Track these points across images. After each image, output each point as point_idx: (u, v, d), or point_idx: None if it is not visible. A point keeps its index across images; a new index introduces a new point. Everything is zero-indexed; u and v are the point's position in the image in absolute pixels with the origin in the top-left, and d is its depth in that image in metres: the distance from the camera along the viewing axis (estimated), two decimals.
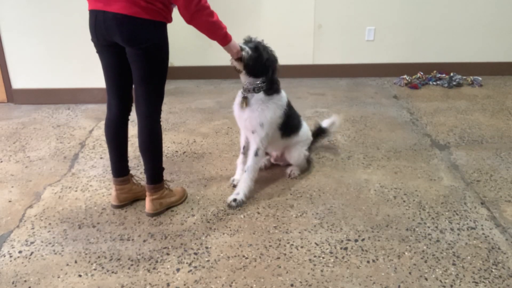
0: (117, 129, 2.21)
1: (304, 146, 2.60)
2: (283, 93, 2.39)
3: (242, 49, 2.20)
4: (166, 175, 2.61)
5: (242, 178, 2.37)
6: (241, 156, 2.53)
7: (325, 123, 2.87)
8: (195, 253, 1.95)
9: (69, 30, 3.64)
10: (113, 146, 2.23)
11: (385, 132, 3.18)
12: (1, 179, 2.62)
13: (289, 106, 2.43)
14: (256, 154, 2.35)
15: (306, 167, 2.65)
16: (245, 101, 2.31)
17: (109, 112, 2.19)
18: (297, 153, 2.54)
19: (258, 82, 2.28)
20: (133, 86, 2.08)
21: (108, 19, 1.89)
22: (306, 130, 2.64)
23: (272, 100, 2.31)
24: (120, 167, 2.28)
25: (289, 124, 2.43)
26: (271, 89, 2.31)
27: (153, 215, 2.22)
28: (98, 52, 2.09)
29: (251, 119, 2.31)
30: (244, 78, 2.30)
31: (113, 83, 2.12)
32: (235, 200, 2.30)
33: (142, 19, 1.88)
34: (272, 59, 2.30)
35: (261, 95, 2.29)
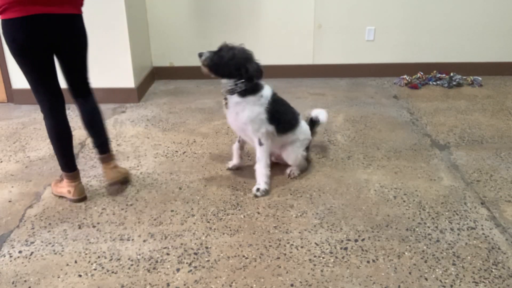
0: (67, 124, 2.31)
1: (301, 147, 2.58)
2: (264, 91, 2.38)
3: (201, 55, 2.34)
4: (166, 175, 2.62)
5: (256, 169, 2.45)
6: (236, 144, 2.63)
7: (314, 114, 2.82)
8: (195, 253, 1.95)
9: None
10: (69, 142, 2.32)
11: (385, 132, 3.18)
12: (1, 179, 2.62)
13: (277, 102, 2.43)
14: (260, 143, 2.41)
15: (306, 167, 2.65)
16: (226, 102, 2.39)
17: (57, 112, 2.26)
18: (294, 155, 2.54)
19: (231, 83, 2.33)
20: (74, 74, 2.33)
21: (64, 20, 2.12)
22: (304, 129, 2.63)
23: (246, 101, 2.34)
24: (74, 161, 2.37)
25: (280, 120, 2.43)
26: (246, 90, 2.33)
27: (117, 182, 2.43)
28: (33, 56, 2.11)
29: (233, 123, 2.44)
30: (222, 81, 2.38)
31: (52, 81, 2.24)
32: (258, 189, 2.41)
33: (81, 15, 2.23)
34: (238, 59, 2.30)
35: (235, 97, 2.34)
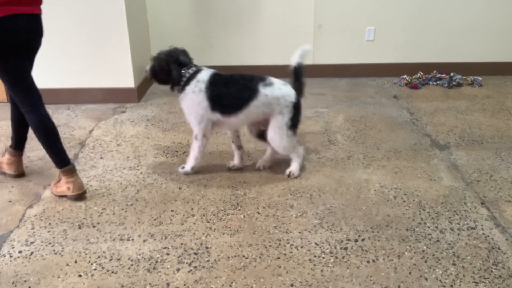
0: (50, 118, 2.35)
1: (283, 127, 2.40)
2: (200, 75, 2.44)
3: (146, 71, 2.53)
4: (166, 175, 2.62)
5: (189, 153, 2.60)
6: (232, 144, 2.67)
7: (295, 59, 2.48)
8: (195, 253, 1.95)
9: (69, 30, 3.64)
10: (56, 135, 2.37)
11: (385, 132, 3.18)
12: (1, 179, 2.62)
13: (217, 84, 2.42)
14: (195, 137, 2.52)
15: (301, 153, 2.56)
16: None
17: (39, 107, 2.31)
18: (278, 139, 2.42)
19: (170, 87, 2.51)
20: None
21: (35, 20, 2.22)
22: (275, 95, 2.38)
23: (185, 93, 2.45)
24: (66, 155, 2.40)
25: (224, 102, 2.42)
26: (183, 85, 2.45)
27: (19, 175, 2.64)
28: (14, 55, 2.18)
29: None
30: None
31: (30, 78, 2.31)
32: (183, 167, 2.61)
33: (41, 15, 2.29)
34: (163, 65, 2.44)
35: (180, 96, 2.48)
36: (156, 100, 3.91)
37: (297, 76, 2.50)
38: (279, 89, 2.41)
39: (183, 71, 2.44)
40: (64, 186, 2.36)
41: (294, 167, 2.57)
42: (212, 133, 2.54)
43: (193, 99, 2.42)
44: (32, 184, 2.56)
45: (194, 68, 2.46)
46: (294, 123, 2.45)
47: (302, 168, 2.62)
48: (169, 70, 2.43)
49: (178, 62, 2.44)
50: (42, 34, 2.31)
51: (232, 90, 2.40)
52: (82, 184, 2.39)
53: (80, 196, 2.36)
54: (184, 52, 2.51)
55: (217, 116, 2.43)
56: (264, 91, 2.38)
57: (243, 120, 2.47)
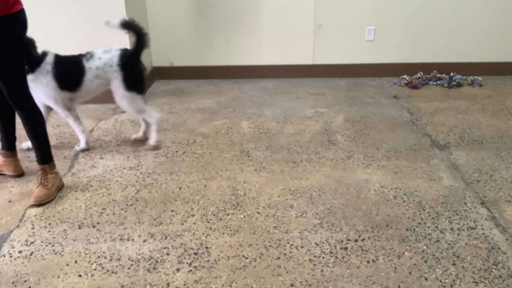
0: None
1: (119, 90, 2.61)
2: (48, 58, 2.58)
3: None
4: (166, 175, 2.62)
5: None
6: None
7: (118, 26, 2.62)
8: (195, 253, 1.96)
9: (68, 31, 3.64)
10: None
11: (385, 132, 3.18)
12: (1, 179, 2.62)
13: (60, 63, 2.58)
14: (64, 116, 2.76)
15: (157, 120, 2.81)
16: None
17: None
18: (118, 100, 2.65)
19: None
20: None
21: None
22: (95, 66, 2.62)
23: (36, 75, 2.56)
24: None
25: (66, 81, 2.59)
26: (33, 66, 2.55)
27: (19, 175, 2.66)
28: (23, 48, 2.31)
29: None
30: None
31: None
32: (78, 145, 2.89)
33: None
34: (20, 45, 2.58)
35: (30, 76, 2.55)
36: (156, 100, 3.91)
37: (133, 32, 2.63)
38: (99, 59, 2.61)
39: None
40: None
41: (151, 139, 2.78)
42: (77, 104, 2.74)
43: (42, 81, 2.56)
44: (32, 184, 2.56)
45: (41, 51, 2.60)
46: (130, 83, 2.62)
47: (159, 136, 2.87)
48: (30, 53, 2.53)
49: (34, 46, 2.58)
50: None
51: (68, 69, 2.60)
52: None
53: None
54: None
55: (67, 94, 2.61)
56: (88, 65, 2.61)
57: (89, 93, 2.66)
